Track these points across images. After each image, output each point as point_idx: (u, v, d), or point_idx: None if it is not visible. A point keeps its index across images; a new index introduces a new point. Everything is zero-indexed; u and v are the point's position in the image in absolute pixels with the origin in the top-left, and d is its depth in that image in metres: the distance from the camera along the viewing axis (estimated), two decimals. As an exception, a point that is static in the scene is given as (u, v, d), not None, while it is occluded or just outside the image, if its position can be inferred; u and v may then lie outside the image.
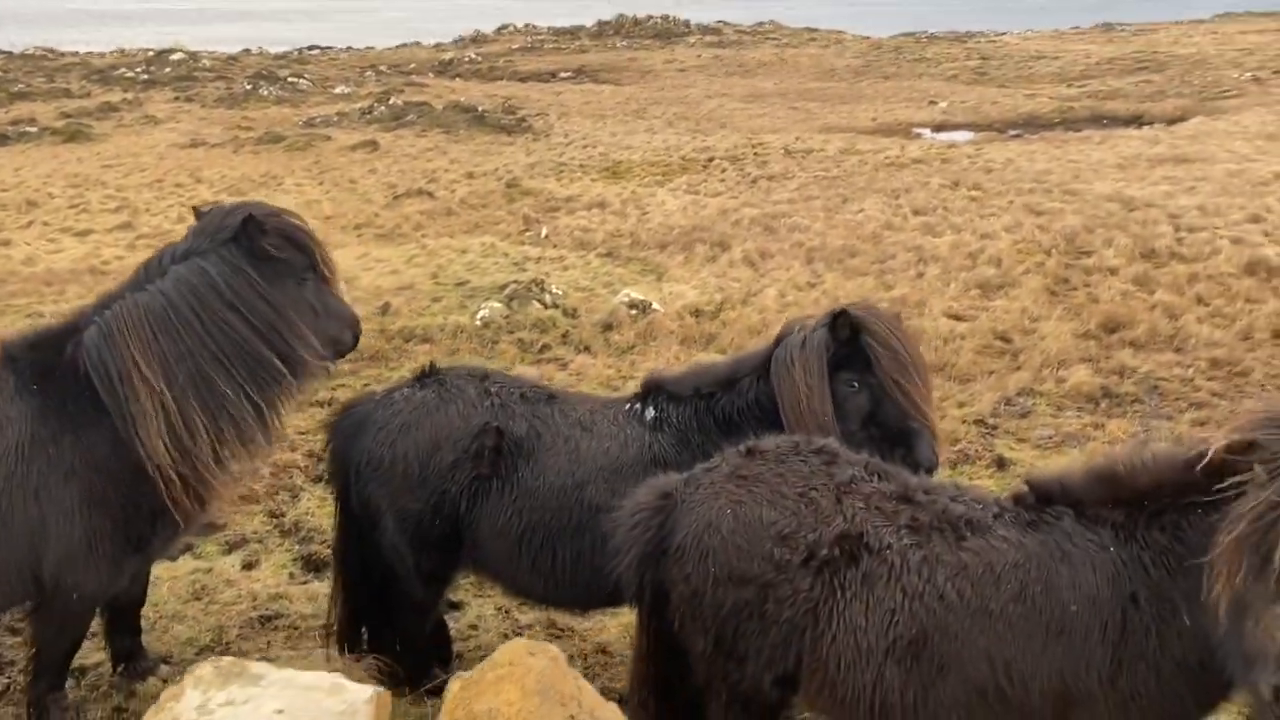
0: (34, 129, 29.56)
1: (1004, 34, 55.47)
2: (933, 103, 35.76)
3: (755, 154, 26.47)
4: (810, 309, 12.53)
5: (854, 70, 46.97)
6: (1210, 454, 3.37)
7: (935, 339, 11.27)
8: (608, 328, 11.93)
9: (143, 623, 6.05)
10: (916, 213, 17.79)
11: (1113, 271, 13.69)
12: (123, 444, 4.63)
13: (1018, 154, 24.92)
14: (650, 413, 4.96)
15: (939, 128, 31.51)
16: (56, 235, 18.30)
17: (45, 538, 4.57)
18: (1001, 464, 8.22)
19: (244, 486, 5.64)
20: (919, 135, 30.07)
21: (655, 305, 12.51)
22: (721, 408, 4.87)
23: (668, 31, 56.90)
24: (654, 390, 5.04)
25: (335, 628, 5.41)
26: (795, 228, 17.03)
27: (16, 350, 4.73)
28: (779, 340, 4.89)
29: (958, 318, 12.08)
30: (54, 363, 4.69)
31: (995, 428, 9.07)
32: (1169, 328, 11.39)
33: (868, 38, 53.63)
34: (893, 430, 4.65)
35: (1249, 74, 37.33)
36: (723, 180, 23.01)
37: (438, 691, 5.33)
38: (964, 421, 9.16)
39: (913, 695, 3.57)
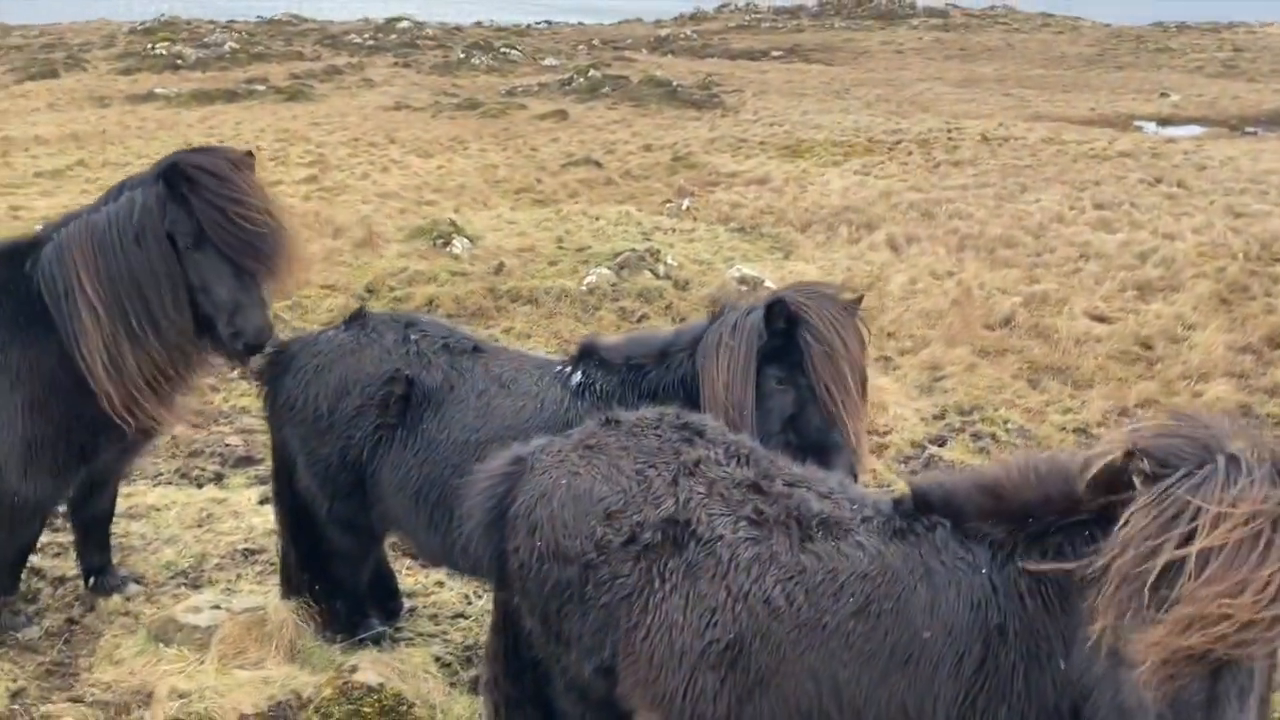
0: (262, 88, 31.75)
1: (1270, 24, 50.21)
2: (1163, 95, 32.67)
3: (949, 139, 24.98)
4: (936, 298, 11.62)
5: (1086, 59, 43.70)
6: (1094, 464, 2.69)
7: (1066, 339, 10.19)
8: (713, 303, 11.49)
9: (137, 542, 6.26)
10: (1098, 207, 16.24)
11: (1305, 282, 11.97)
12: (68, 357, 4.73)
13: (1243, 152, 22.36)
14: (577, 377, 4.58)
15: (1164, 121, 28.75)
16: (245, 184, 19.47)
17: None
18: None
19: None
20: (1138, 129, 27.51)
21: (769, 283, 11.90)
22: (649, 381, 4.47)
23: (891, 13, 54.92)
24: (587, 354, 4.67)
25: (281, 569, 5.37)
26: (956, 214, 15.91)
27: None
28: (715, 317, 4.44)
29: (1100, 319, 10.86)
30: (13, 277, 4.83)
31: (1096, 439, 8.04)
32: (1349, 350, 9.81)
33: (1108, 25, 49.82)
34: (811, 440, 4.10)
35: None
36: (904, 164, 21.83)
37: (375, 642, 5.21)
38: (1063, 429, 8.21)
39: (726, 707, 3.09)
